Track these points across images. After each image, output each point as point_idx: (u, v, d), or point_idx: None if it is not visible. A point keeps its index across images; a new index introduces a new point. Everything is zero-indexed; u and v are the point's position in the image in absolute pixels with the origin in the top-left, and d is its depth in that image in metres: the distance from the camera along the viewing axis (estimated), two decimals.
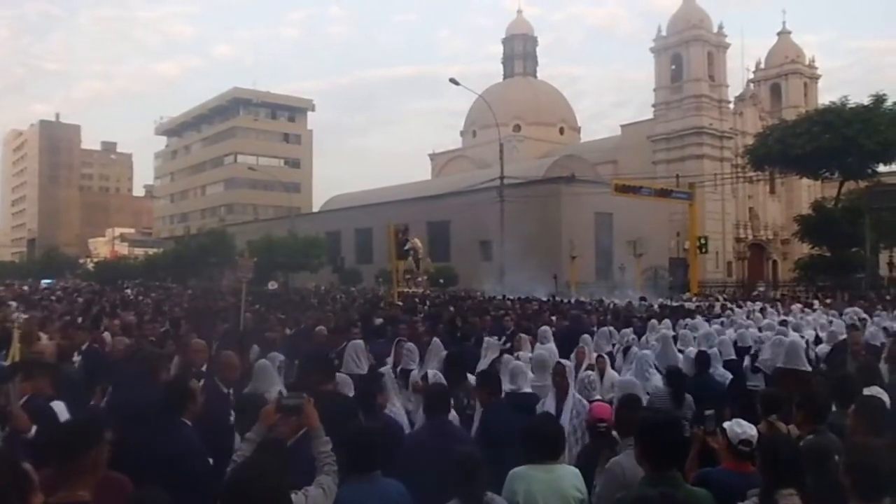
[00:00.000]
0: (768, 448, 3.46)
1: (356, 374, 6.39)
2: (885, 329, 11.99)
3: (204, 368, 6.26)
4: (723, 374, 7.73)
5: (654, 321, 11.91)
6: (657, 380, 7.26)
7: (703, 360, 7.44)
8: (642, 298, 22.43)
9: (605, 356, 8.13)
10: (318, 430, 3.62)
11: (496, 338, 9.25)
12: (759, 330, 11.16)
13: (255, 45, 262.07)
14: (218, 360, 5.83)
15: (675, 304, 21.27)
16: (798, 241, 47.23)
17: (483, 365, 7.52)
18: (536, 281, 29.80)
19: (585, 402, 6.00)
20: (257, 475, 2.61)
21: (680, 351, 8.74)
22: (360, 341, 7.40)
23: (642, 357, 7.94)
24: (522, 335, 9.28)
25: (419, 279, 36.18)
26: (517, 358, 7.51)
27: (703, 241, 37.76)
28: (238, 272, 16.00)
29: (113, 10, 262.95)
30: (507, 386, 6.31)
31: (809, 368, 7.80)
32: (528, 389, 6.15)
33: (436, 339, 8.41)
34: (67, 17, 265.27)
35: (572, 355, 8.63)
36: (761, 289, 41.90)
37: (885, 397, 5.15)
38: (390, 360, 8.04)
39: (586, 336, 9.25)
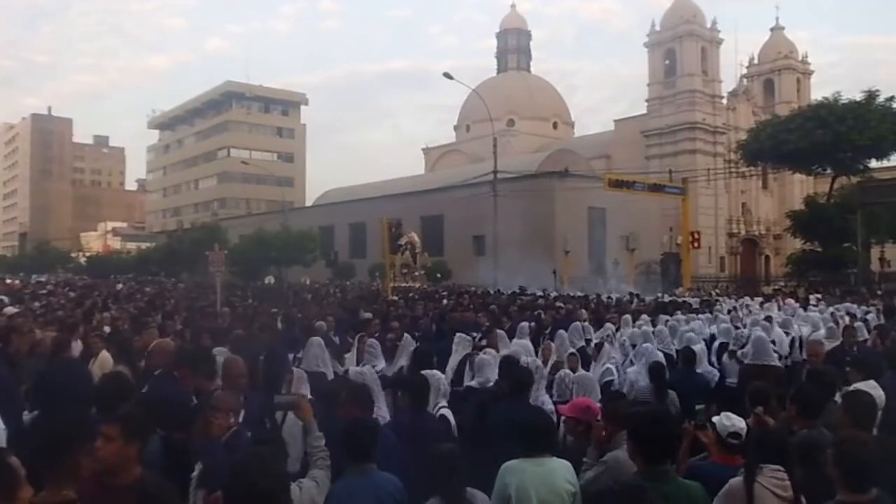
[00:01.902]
0: (756, 437, 3.51)
1: (318, 373, 6.25)
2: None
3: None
4: (710, 371, 7.73)
5: (627, 316, 11.80)
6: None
7: (688, 356, 7.44)
8: (632, 293, 22.51)
9: (577, 353, 7.85)
10: (312, 425, 3.66)
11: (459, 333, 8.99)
12: (743, 325, 11.24)
13: (248, 38, 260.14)
14: (224, 366, 5.18)
15: (667, 299, 21.31)
16: (790, 237, 47.42)
17: (453, 361, 7.50)
18: (530, 275, 29.84)
19: (547, 400, 5.92)
20: (261, 466, 2.64)
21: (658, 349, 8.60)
22: (319, 338, 7.11)
23: (644, 351, 7.96)
24: (497, 331, 9.10)
25: (416, 273, 36.38)
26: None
27: (695, 237, 37.86)
28: (210, 266, 15.85)
29: (103, 3, 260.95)
30: (473, 381, 6.38)
31: (779, 363, 7.84)
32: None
33: (406, 336, 8.25)
34: (58, 11, 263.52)
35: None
36: (781, 284, 41.08)
37: (880, 391, 5.21)
38: (351, 356, 7.94)
39: (562, 332, 9.01)
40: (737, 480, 3.41)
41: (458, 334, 8.26)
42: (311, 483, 3.35)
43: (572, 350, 8.04)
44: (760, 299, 20.46)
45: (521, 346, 7.96)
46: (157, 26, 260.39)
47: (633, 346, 8.99)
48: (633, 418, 3.58)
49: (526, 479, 3.72)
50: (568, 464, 3.97)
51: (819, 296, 22.73)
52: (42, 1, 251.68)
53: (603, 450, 4.18)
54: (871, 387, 5.31)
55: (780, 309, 16.01)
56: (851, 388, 5.12)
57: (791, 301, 19.27)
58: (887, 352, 7.75)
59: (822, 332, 10.92)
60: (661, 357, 7.81)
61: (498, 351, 7.78)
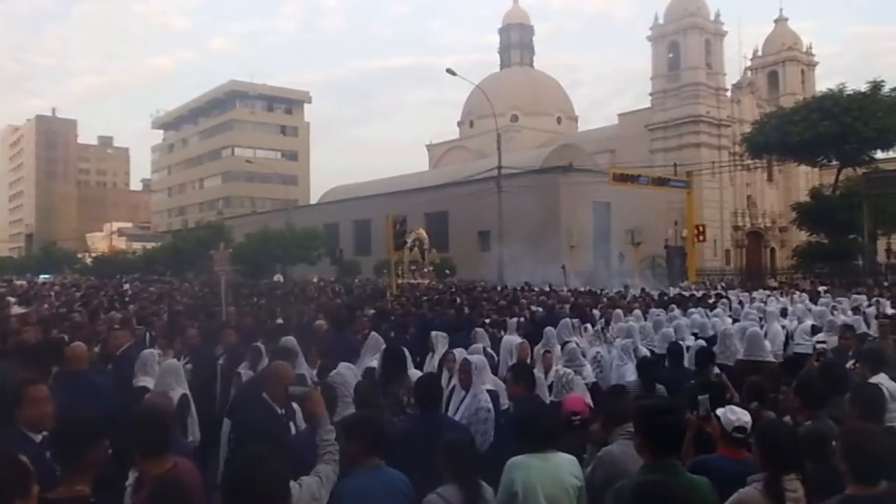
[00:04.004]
0: (768, 436, 3.47)
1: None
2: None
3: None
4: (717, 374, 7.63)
5: (618, 311, 12.04)
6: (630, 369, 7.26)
7: (675, 351, 7.39)
8: (626, 286, 22.53)
9: (552, 351, 7.63)
10: (323, 418, 3.65)
11: (434, 332, 8.63)
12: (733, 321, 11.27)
13: (251, 38, 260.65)
14: (267, 371, 4.61)
15: (673, 292, 21.27)
16: (796, 229, 47.29)
17: (434, 359, 7.40)
18: (536, 270, 29.82)
19: (484, 400, 5.47)
20: (258, 465, 2.63)
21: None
22: (291, 337, 6.88)
23: (624, 346, 7.93)
24: (477, 329, 8.93)
25: (425, 270, 36.48)
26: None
27: (700, 230, 37.79)
28: (215, 265, 15.86)
29: (106, 4, 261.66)
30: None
31: (772, 358, 7.77)
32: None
33: (374, 334, 8.02)
34: (61, 12, 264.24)
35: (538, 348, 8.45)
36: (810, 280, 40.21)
37: (891, 384, 5.19)
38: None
39: (549, 329, 8.86)
40: (746, 491, 3.34)
41: (433, 332, 8.03)
42: (312, 479, 3.32)
43: (547, 349, 7.77)
44: (767, 292, 20.40)
45: (509, 343, 7.86)
46: (160, 27, 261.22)
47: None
48: (640, 411, 3.55)
49: (532, 475, 3.72)
50: (573, 458, 3.98)
51: (825, 287, 22.69)
52: (46, 3, 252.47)
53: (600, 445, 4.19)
54: (882, 380, 5.30)
55: (792, 303, 15.87)
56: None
57: (798, 293, 19.19)
58: None
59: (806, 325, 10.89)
60: (644, 351, 7.77)
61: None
